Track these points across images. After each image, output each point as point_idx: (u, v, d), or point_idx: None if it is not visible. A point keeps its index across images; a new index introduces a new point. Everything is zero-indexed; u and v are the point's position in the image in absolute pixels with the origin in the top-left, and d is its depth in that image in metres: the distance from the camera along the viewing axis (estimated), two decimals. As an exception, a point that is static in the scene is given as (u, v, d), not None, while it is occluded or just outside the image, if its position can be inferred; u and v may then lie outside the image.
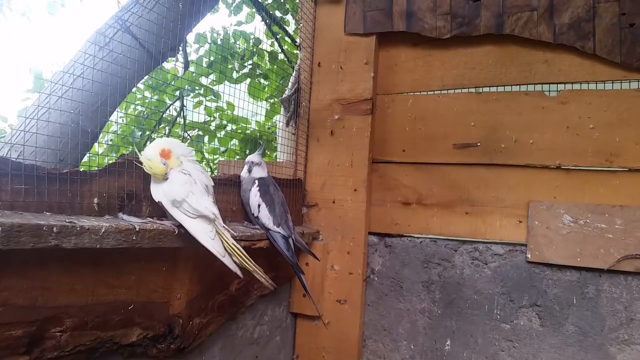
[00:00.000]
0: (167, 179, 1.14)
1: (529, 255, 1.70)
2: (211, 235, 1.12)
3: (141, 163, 1.13)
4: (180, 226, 1.12)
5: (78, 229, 0.88)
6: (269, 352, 1.80)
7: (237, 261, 1.18)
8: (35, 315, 0.91)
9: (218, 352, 1.51)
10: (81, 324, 0.99)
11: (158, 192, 1.14)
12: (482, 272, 1.78)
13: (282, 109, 2.14)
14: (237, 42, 4.39)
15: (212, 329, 1.41)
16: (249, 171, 1.57)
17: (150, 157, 1.12)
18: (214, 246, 1.12)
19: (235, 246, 1.18)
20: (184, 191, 1.12)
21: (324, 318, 1.90)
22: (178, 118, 3.83)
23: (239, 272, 1.15)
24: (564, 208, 1.67)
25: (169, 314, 1.24)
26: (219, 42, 4.26)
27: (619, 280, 1.61)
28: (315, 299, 1.85)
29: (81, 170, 1.09)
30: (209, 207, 1.14)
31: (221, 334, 1.51)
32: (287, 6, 4.27)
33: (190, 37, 4.09)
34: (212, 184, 1.25)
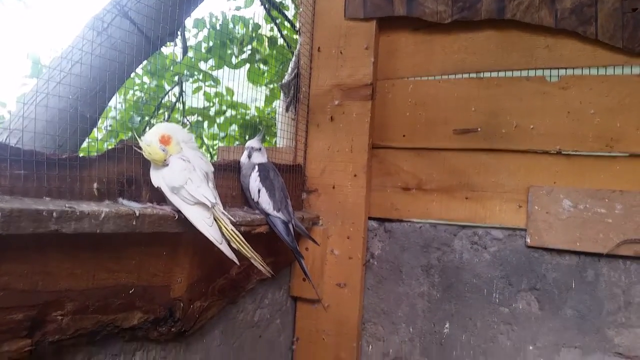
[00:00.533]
0: (167, 165, 1.14)
1: (528, 240, 1.70)
2: (209, 222, 1.12)
3: (140, 149, 1.12)
4: (179, 212, 1.12)
5: (78, 214, 0.88)
6: (269, 335, 1.81)
7: (236, 247, 1.18)
8: (36, 299, 0.91)
9: (219, 335, 1.52)
10: (82, 308, 1.00)
11: (157, 177, 1.14)
12: (481, 256, 1.79)
13: (281, 94, 2.13)
14: (236, 27, 4.36)
15: (212, 312, 1.42)
16: (249, 157, 1.57)
17: (149, 142, 1.12)
18: (212, 233, 1.12)
19: (234, 232, 1.18)
20: (182, 178, 1.12)
21: (323, 301, 1.91)
22: (177, 103, 3.82)
23: (235, 260, 1.15)
24: (564, 193, 1.67)
25: (169, 297, 1.24)
26: (218, 27, 4.23)
27: (618, 265, 1.62)
28: (315, 283, 1.86)
29: (80, 155, 1.08)
30: (207, 194, 1.13)
31: (222, 318, 1.53)
32: (287, -10, 4.24)
33: (189, 23, 4.06)
34: (212, 170, 1.24)
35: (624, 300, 1.60)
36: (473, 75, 1.85)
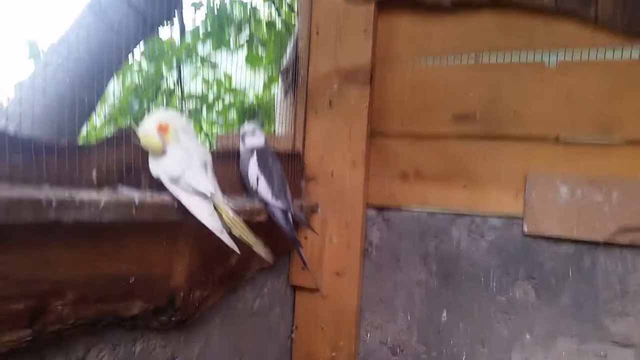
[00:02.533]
0: (164, 153, 1.13)
1: (525, 228, 1.71)
2: (208, 212, 1.12)
3: (138, 138, 1.12)
4: (178, 201, 1.12)
5: (77, 203, 0.87)
6: (268, 323, 1.83)
7: (237, 234, 1.18)
8: (36, 288, 0.91)
9: (218, 323, 1.53)
10: (83, 297, 1.00)
11: (156, 167, 1.13)
12: (478, 244, 1.80)
13: (280, 79, 2.11)
14: (234, 10, 4.32)
15: (212, 301, 1.43)
16: (242, 140, 1.55)
17: (146, 132, 1.11)
18: (211, 222, 1.12)
19: (235, 220, 1.18)
20: (181, 167, 1.12)
21: (322, 290, 1.92)
22: (175, 89, 3.80)
23: (236, 249, 1.15)
24: (561, 180, 1.67)
25: (169, 286, 1.25)
26: (216, 11, 4.19)
27: (615, 253, 1.63)
28: (314, 271, 1.87)
29: (79, 142, 1.08)
30: (206, 184, 1.13)
31: (222, 307, 1.53)
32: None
33: (187, 4, 4.02)
34: (211, 158, 1.24)
35: (620, 288, 1.62)
36: (472, 59, 1.83)
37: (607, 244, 1.62)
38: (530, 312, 1.72)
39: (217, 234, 1.12)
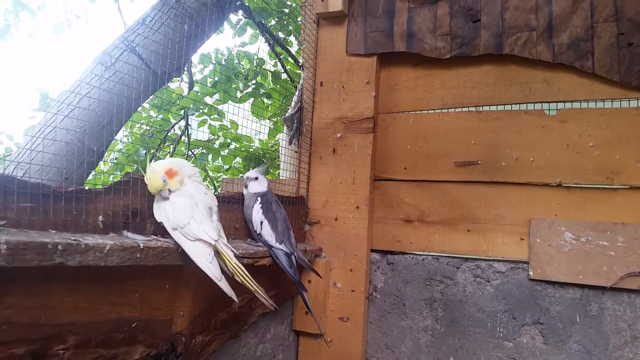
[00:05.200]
0: (167, 198, 1.15)
1: (531, 273, 1.70)
2: (209, 259, 1.13)
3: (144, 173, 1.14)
4: (180, 247, 1.13)
5: (83, 246, 0.88)
6: (271, 370, 1.79)
7: (239, 280, 1.18)
8: (38, 333, 0.91)
9: (220, 370, 1.50)
10: (84, 342, 1.00)
11: (160, 213, 1.15)
12: (484, 289, 1.78)
13: (285, 127, 2.16)
14: (241, 63, 4.44)
15: (214, 346, 1.41)
16: (246, 187, 1.58)
17: (154, 170, 1.13)
18: (211, 269, 1.12)
19: (238, 265, 1.18)
20: (184, 217, 1.13)
21: (326, 336, 1.89)
22: (182, 136, 3.86)
23: (234, 297, 1.15)
24: (566, 225, 1.67)
25: (171, 331, 1.24)
26: (223, 63, 4.31)
27: (622, 298, 1.60)
28: (318, 316, 1.85)
29: (86, 188, 1.10)
30: (209, 231, 1.14)
31: (224, 352, 1.51)
32: (290, 27, 4.33)
33: (195, 58, 4.14)
34: (216, 203, 1.26)
35: (630, 334, 1.58)
36: (472, 109, 1.88)
37: (615, 289, 1.60)
38: (538, 358, 1.68)
39: (216, 281, 1.12)
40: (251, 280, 1.21)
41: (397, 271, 1.91)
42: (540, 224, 1.70)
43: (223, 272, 1.16)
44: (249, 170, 1.67)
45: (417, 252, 1.90)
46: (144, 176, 1.15)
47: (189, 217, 1.14)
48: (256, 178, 1.59)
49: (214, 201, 1.25)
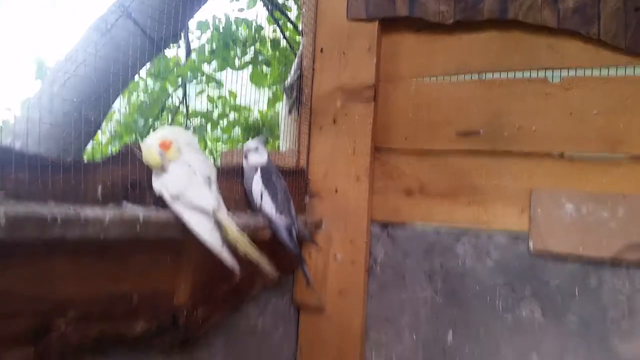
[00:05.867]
0: (164, 170, 1.13)
1: (531, 244, 1.70)
2: (208, 229, 1.12)
3: (141, 151, 1.12)
4: (180, 217, 1.12)
5: (82, 219, 0.88)
6: (272, 343, 1.81)
7: (242, 251, 1.18)
8: (39, 306, 0.91)
9: (222, 343, 1.52)
10: (86, 316, 1.00)
11: (158, 184, 1.14)
12: (484, 262, 1.78)
13: (284, 96, 2.13)
14: (239, 29, 4.37)
15: (216, 319, 1.42)
16: (245, 157, 1.56)
17: (149, 146, 1.12)
18: (211, 239, 1.11)
19: (240, 236, 1.18)
20: (182, 184, 1.12)
21: (326, 309, 1.90)
22: (180, 106, 3.83)
23: (236, 267, 1.14)
24: (567, 197, 1.67)
25: (173, 304, 1.24)
26: (221, 29, 4.23)
27: (621, 271, 1.61)
28: (318, 289, 1.86)
29: (85, 159, 1.09)
30: (208, 199, 1.13)
31: (225, 325, 1.52)
32: (289, -8, 4.25)
33: (193, 25, 4.06)
34: (215, 173, 1.24)
35: (628, 307, 1.59)
36: (475, 76, 1.84)
37: (614, 262, 1.60)
38: (537, 331, 1.70)
39: (216, 252, 1.12)
40: (254, 250, 1.20)
41: (397, 243, 1.91)
42: (542, 195, 1.70)
43: (224, 243, 1.15)
44: (248, 140, 1.65)
45: (417, 224, 1.90)
46: (139, 147, 1.13)
47: (186, 185, 1.12)
48: (256, 148, 1.56)
49: (213, 170, 1.24)
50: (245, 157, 1.56)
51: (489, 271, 1.77)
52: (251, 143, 1.58)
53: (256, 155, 1.56)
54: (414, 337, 1.87)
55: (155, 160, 1.12)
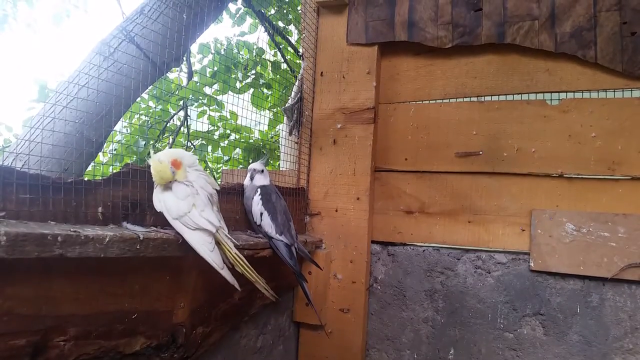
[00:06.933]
0: (169, 188, 1.14)
1: (532, 264, 1.69)
2: (210, 247, 1.12)
3: (149, 165, 1.13)
4: (181, 236, 1.12)
5: (82, 238, 0.88)
6: (272, 361, 1.79)
7: (240, 271, 1.18)
8: (39, 324, 0.91)
9: (221, 360, 1.51)
10: (85, 333, 1.00)
11: (160, 203, 1.14)
12: (485, 280, 1.78)
13: (285, 118, 2.15)
14: (241, 52, 4.42)
15: (215, 338, 1.41)
16: (251, 179, 1.57)
17: (161, 161, 1.12)
18: (213, 258, 1.11)
19: (238, 256, 1.18)
20: (186, 205, 1.12)
21: (326, 327, 1.89)
22: (182, 127, 3.85)
23: (236, 285, 1.15)
24: (567, 217, 1.67)
25: (172, 322, 1.24)
26: (223, 53, 4.28)
27: (623, 289, 1.60)
28: (318, 308, 1.85)
29: (85, 179, 1.09)
30: (211, 219, 1.13)
31: (224, 343, 1.51)
32: (290, 17, 4.30)
33: (194, 48, 4.12)
34: (217, 190, 1.25)
35: (630, 325, 1.58)
36: (474, 99, 1.86)
37: (615, 280, 1.60)
38: (539, 349, 1.68)
39: (218, 269, 1.12)
40: (252, 271, 1.20)
41: (398, 262, 1.91)
42: (542, 215, 1.70)
43: (223, 262, 1.15)
44: (248, 161, 1.66)
45: (417, 244, 1.90)
46: (147, 168, 1.14)
47: (190, 206, 1.13)
48: (262, 171, 1.59)
49: (214, 189, 1.24)
50: (252, 178, 1.57)
51: (490, 289, 1.76)
52: (257, 165, 1.60)
53: (262, 177, 1.59)
54: (415, 355, 1.85)
55: (167, 175, 1.12)
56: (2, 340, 0.84)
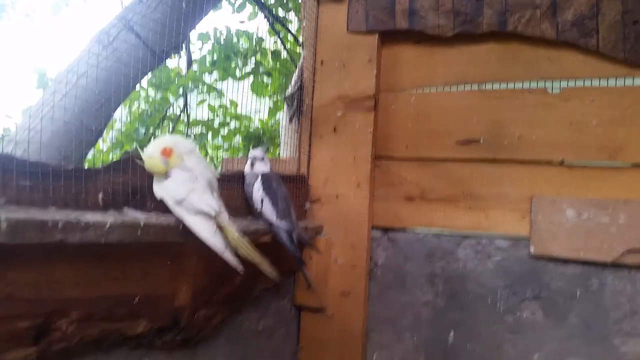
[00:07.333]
0: (167, 176, 1.14)
1: (532, 249, 1.70)
2: (211, 231, 1.13)
3: (142, 161, 1.13)
4: (182, 222, 1.13)
5: (83, 224, 0.89)
6: (273, 343, 1.81)
7: (243, 254, 1.18)
8: (41, 308, 0.92)
9: (223, 343, 1.52)
10: (87, 316, 1.01)
11: (160, 190, 1.14)
12: (485, 265, 1.79)
13: (285, 106, 2.14)
14: (240, 41, 4.40)
15: (217, 320, 1.43)
16: (252, 165, 1.58)
17: (151, 155, 1.13)
18: (214, 242, 1.12)
19: (241, 239, 1.18)
20: (185, 190, 1.13)
21: (327, 310, 1.91)
22: (182, 115, 3.85)
23: (239, 267, 1.15)
24: (567, 203, 1.67)
25: (174, 306, 1.25)
26: (222, 41, 4.27)
27: (623, 274, 1.61)
28: (319, 292, 1.86)
29: (86, 166, 1.10)
30: (211, 203, 1.14)
31: (226, 326, 1.53)
32: (290, 5, 4.28)
33: (194, 36, 4.10)
34: (217, 177, 1.25)
35: (629, 308, 1.59)
36: (475, 87, 1.86)
37: (615, 265, 1.60)
38: (538, 332, 1.70)
39: (220, 253, 1.13)
40: (255, 253, 1.20)
41: (398, 248, 1.92)
42: (542, 201, 1.70)
43: (227, 245, 1.16)
44: (248, 149, 1.67)
45: (418, 229, 1.90)
46: (140, 156, 1.14)
47: (189, 190, 1.13)
48: (262, 158, 1.59)
49: (214, 175, 1.25)
50: (252, 165, 1.58)
51: (490, 274, 1.77)
52: (258, 152, 1.60)
53: (262, 164, 1.59)
54: (415, 338, 1.87)
55: (159, 168, 1.13)
56: (5, 323, 0.86)
